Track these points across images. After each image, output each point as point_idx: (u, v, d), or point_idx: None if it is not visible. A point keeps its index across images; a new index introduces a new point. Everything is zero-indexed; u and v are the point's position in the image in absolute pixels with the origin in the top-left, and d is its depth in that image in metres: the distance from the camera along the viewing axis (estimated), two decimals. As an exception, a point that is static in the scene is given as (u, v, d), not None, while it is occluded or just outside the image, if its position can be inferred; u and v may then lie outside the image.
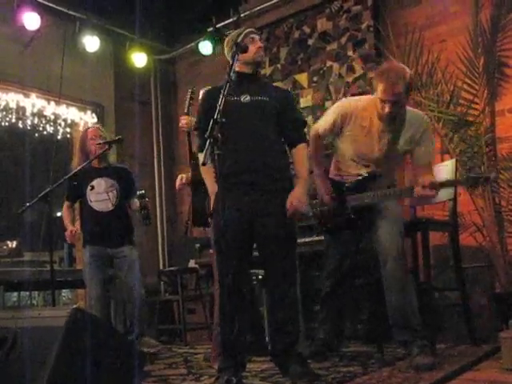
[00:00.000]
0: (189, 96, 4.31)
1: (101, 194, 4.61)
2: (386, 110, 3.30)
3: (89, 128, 4.92)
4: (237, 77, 3.13)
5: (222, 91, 2.83)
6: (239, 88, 3.17)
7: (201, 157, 3.20)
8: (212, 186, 3.16)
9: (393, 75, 3.28)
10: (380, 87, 3.30)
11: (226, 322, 3.02)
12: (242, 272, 3.06)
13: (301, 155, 3.24)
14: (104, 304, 4.49)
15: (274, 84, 5.17)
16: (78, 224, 4.81)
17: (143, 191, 4.68)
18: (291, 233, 3.17)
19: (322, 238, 4.29)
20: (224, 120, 2.68)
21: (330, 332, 3.77)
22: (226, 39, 3.41)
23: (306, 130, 3.42)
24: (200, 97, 4.27)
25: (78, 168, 4.41)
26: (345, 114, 3.53)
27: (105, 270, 4.57)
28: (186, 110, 4.23)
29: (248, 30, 3.35)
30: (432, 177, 3.39)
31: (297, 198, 3.11)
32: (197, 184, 3.99)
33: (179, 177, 4.37)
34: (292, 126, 3.28)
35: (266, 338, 4.16)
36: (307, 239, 4.61)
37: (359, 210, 3.50)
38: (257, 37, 3.33)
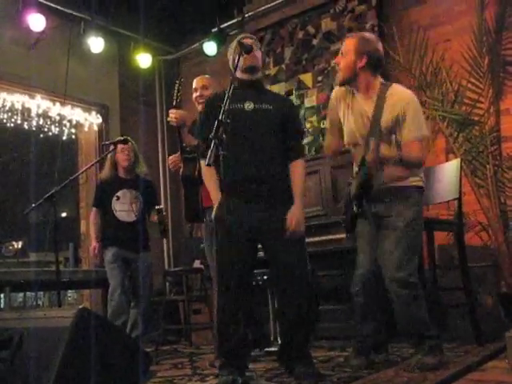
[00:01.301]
0: (176, 87, 4.10)
1: (125, 205, 4.79)
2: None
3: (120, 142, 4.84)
4: (239, 84, 3.12)
5: (227, 92, 2.83)
6: (242, 95, 3.15)
7: (202, 167, 3.22)
8: (215, 193, 3.14)
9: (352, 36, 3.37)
10: None
11: (223, 327, 3.06)
12: (244, 278, 3.07)
13: (298, 172, 3.22)
14: (125, 301, 4.61)
15: (275, 91, 5.16)
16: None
17: (161, 206, 4.86)
18: (295, 243, 3.14)
19: (330, 237, 4.33)
20: (229, 121, 2.68)
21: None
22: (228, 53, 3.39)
23: (304, 142, 3.40)
24: (194, 85, 4.24)
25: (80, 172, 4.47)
26: (332, 102, 3.49)
27: (126, 269, 4.73)
28: (174, 103, 4.05)
29: (239, 37, 3.32)
30: (402, 156, 3.18)
31: (294, 218, 3.09)
32: (188, 179, 3.98)
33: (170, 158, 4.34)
34: (292, 140, 3.26)
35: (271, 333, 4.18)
36: (315, 238, 4.62)
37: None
38: (249, 41, 3.25)
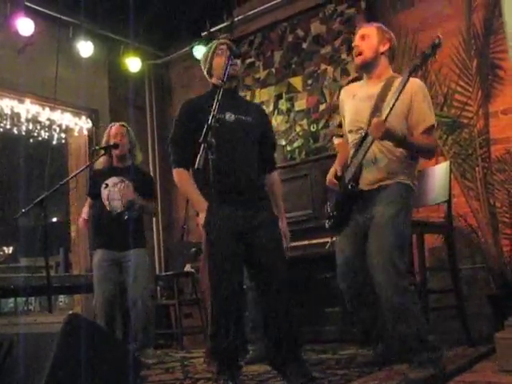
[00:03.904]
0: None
1: (114, 193, 4.46)
2: (355, 45, 3.29)
3: (113, 125, 4.78)
4: (217, 92, 2.95)
5: (216, 96, 2.83)
6: (222, 104, 3.03)
7: (175, 172, 3.20)
8: (197, 197, 3.12)
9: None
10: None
11: (219, 332, 3.04)
12: (236, 282, 3.07)
13: (277, 183, 3.42)
14: (110, 310, 4.39)
15: (264, 94, 5.16)
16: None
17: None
18: (281, 244, 3.23)
19: (321, 240, 4.33)
20: (218, 125, 2.68)
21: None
22: (202, 56, 3.41)
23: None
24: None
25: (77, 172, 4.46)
26: (340, 99, 3.50)
27: (114, 275, 4.49)
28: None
29: (218, 42, 3.35)
30: (421, 139, 3.09)
31: (286, 232, 3.33)
32: None
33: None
34: (269, 151, 3.42)
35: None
36: (306, 242, 4.64)
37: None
38: (224, 47, 3.28)
